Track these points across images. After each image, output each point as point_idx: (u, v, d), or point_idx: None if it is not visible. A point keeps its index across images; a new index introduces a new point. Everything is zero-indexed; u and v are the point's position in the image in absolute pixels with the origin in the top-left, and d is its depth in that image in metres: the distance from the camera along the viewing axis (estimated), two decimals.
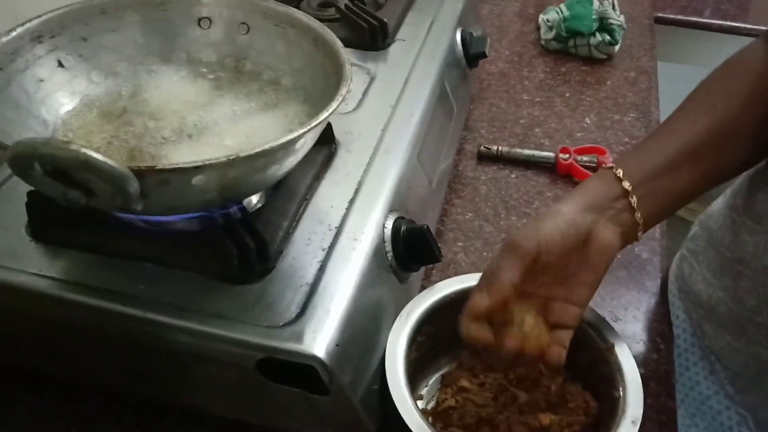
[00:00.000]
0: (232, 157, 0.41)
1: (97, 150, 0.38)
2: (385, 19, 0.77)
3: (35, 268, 0.50)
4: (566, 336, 0.49)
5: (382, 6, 0.84)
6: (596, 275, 0.49)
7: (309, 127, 0.45)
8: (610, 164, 0.52)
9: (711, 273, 0.64)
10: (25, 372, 0.58)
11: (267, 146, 0.42)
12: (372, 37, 0.76)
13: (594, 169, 0.82)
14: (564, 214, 0.49)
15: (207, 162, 0.41)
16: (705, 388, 0.66)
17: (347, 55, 0.53)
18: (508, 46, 1.12)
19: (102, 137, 0.54)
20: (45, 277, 0.49)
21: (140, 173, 0.39)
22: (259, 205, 0.55)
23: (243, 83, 0.61)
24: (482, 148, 0.86)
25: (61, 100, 0.56)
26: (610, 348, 0.53)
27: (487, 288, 0.47)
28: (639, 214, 0.50)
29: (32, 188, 0.52)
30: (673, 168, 0.51)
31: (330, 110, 0.46)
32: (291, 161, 0.49)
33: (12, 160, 0.38)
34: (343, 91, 0.49)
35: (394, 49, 0.78)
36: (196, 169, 0.41)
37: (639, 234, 0.51)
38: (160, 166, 0.40)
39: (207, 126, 0.55)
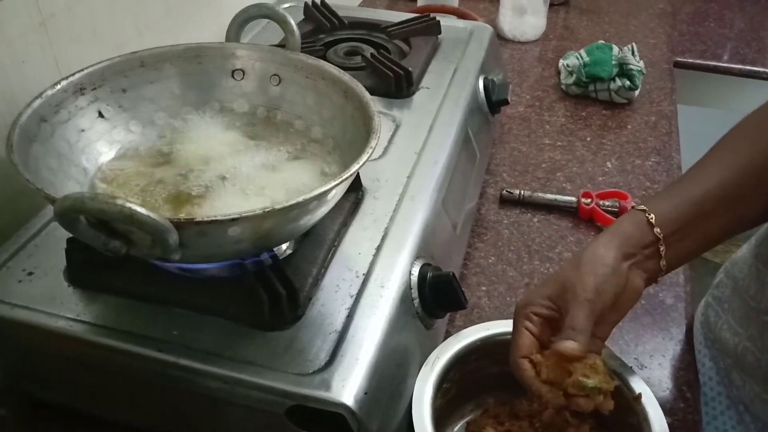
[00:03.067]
0: (267, 210, 0.43)
1: (134, 199, 0.40)
2: (409, 68, 0.79)
3: (72, 312, 0.51)
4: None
5: (406, 54, 0.87)
6: (620, 317, 0.51)
7: (341, 180, 0.46)
8: (642, 207, 0.52)
9: (737, 322, 0.64)
10: (59, 410, 0.59)
11: (301, 198, 0.44)
12: (397, 85, 0.78)
13: (616, 214, 0.82)
14: (606, 262, 0.49)
15: (243, 214, 0.42)
16: None
17: (375, 106, 0.55)
18: (529, 90, 1.14)
19: (139, 185, 0.56)
20: (81, 321, 0.51)
21: (180, 225, 0.41)
22: (289, 252, 0.56)
23: (275, 133, 0.63)
24: (504, 192, 0.87)
25: (100, 149, 0.58)
26: (637, 398, 0.53)
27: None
28: (664, 262, 0.51)
29: (71, 235, 0.55)
30: (703, 214, 0.51)
31: (361, 162, 0.48)
32: (322, 211, 0.50)
33: (60, 213, 0.39)
34: (373, 143, 0.50)
35: (418, 96, 0.80)
36: (233, 221, 0.42)
37: (659, 278, 0.52)
38: (198, 218, 0.41)
39: (240, 175, 0.57)
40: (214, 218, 0.42)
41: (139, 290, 0.53)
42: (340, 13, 0.93)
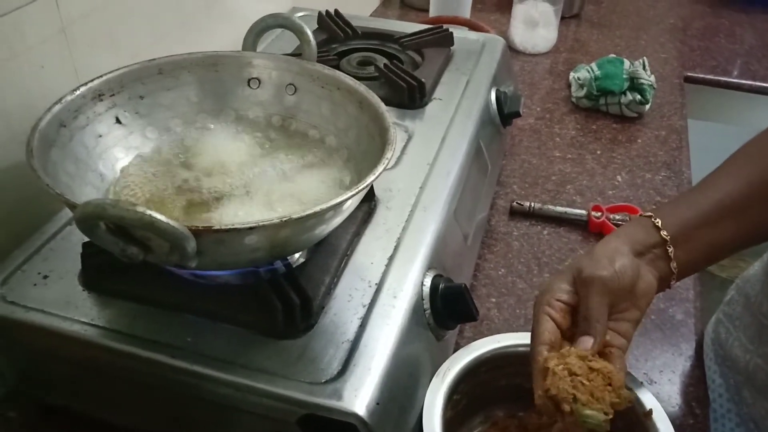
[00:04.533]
0: (284, 219, 0.43)
1: (150, 205, 0.40)
2: (422, 79, 0.80)
3: (86, 317, 0.52)
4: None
5: (419, 65, 0.87)
6: (640, 314, 0.51)
7: (357, 190, 0.46)
8: (648, 213, 0.52)
9: (748, 339, 0.64)
10: (68, 413, 0.60)
11: (317, 208, 0.44)
12: (410, 96, 0.79)
13: None
14: (622, 251, 0.49)
15: (260, 223, 0.42)
16: None
17: (391, 117, 0.56)
18: (540, 102, 1.14)
19: (154, 192, 0.56)
20: (95, 326, 0.51)
21: (198, 233, 0.41)
22: (302, 260, 0.56)
23: (289, 142, 0.63)
24: (515, 203, 0.87)
25: (117, 154, 0.59)
26: (648, 414, 0.53)
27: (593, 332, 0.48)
28: (674, 264, 0.51)
29: (86, 240, 0.55)
30: (711, 222, 0.51)
31: (377, 173, 0.48)
32: (338, 221, 0.50)
33: (80, 219, 0.40)
34: (389, 154, 0.51)
35: (431, 107, 0.80)
36: (250, 230, 0.43)
37: (672, 283, 0.52)
38: (216, 227, 0.42)
39: (255, 182, 0.58)
40: (231, 227, 0.42)
41: (153, 296, 0.53)
42: (354, 23, 0.94)
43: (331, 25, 0.94)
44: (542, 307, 0.51)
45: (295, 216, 0.43)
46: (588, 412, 0.46)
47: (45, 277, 0.54)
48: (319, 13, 0.96)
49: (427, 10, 1.38)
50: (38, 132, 0.51)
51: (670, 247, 0.51)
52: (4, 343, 0.55)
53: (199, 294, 0.52)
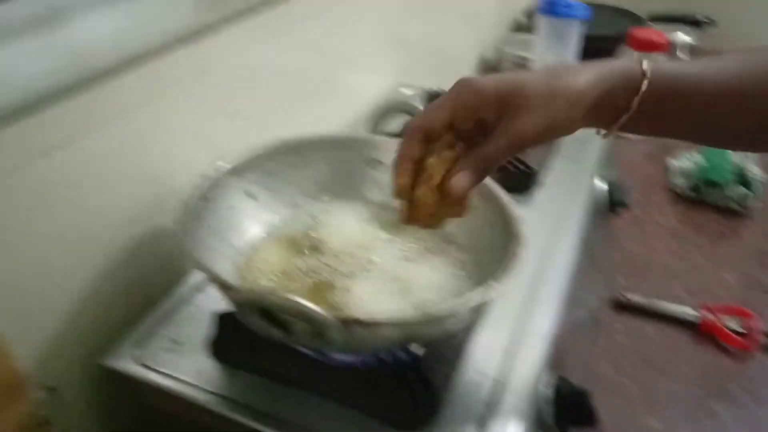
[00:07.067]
0: (427, 315, 0.43)
1: (275, 282, 0.41)
2: (531, 164, 0.80)
3: (215, 387, 0.53)
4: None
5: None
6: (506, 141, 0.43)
7: (499, 292, 0.47)
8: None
9: None
10: None
11: (460, 306, 0.45)
12: (519, 181, 0.79)
13: (741, 335, 0.79)
14: (575, 116, 0.43)
15: (403, 318, 0.43)
16: None
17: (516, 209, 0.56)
18: (639, 188, 1.13)
19: (283, 268, 0.58)
20: (223, 397, 0.52)
21: (345, 322, 0.42)
22: (422, 349, 0.56)
23: (408, 226, 0.64)
24: (619, 296, 0.85)
25: (248, 227, 0.61)
26: None
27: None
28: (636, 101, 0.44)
29: (217, 309, 0.57)
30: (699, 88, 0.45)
31: (517, 274, 0.48)
32: (471, 318, 0.50)
33: (238, 302, 0.41)
34: (522, 251, 0.51)
35: (538, 193, 0.80)
36: (391, 324, 0.43)
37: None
38: (362, 318, 0.43)
39: (379, 265, 0.59)
40: (375, 319, 0.43)
41: (278, 372, 0.54)
42: None
43: None
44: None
45: (436, 312, 0.44)
46: None
47: (176, 342, 0.57)
48: (428, 94, 0.99)
49: None
50: (186, 205, 0.54)
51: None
52: (128, 401, 0.57)
53: (323, 374, 0.53)
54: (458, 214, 0.42)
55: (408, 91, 1.05)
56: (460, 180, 0.40)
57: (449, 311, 0.45)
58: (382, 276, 0.58)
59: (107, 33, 0.57)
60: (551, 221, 0.75)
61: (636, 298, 0.85)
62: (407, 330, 0.45)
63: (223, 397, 0.52)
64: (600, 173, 0.87)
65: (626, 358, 0.78)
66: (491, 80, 0.41)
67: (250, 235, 0.62)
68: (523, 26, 1.72)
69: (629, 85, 0.44)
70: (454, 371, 0.55)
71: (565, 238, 0.72)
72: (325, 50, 0.85)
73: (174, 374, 0.53)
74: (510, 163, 0.80)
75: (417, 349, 0.56)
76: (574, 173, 0.85)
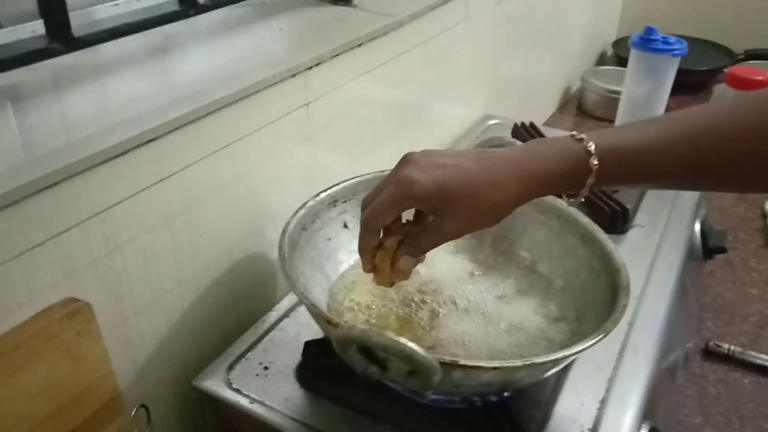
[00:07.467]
0: (527, 363, 0.43)
1: (364, 315, 0.41)
2: (626, 204, 0.78)
3: (301, 415, 0.54)
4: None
5: (617, 190, 0.86)
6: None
7: (597, 339, 0.45)
8: (581, 136, 0.45)
9: None
10: None
11: (560, 355, 0.44)
12: (613, 221, 0.77)
13: None
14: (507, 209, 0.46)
15: (504, 364, 0.42)
16: None
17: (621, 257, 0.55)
18: (732, 231, 1.07)
19: (376, 302, 0.59)
20: (309, 426, 0.53)
21: (445, 365, 0.42)
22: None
23: (500, 263, 0.64)
24: (711, 344, 0.81)
25: (341, 257, 0.62)
26: None
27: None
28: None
29: (307, 338, 0.58)
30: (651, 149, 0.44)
31: (618, 321, 0.47)
32: (565, 363, 0.49)
33: (340, 340, 0.42)
34: (625, 301, 0.49)
35: (632, 234, 0.78)
36: (493, 369, 0.43)
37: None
38: (462, 362, 0.42)
39: (470, 303, 0.58)
40: (476, 364, 0.43)
41: (362, 405, 0.54)
42: (548, 135, 0.95)
43: (527, 136, 0.95)
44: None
45: (538, 360, 0.43)
46: None
47: (266, 368, 0.57)
48: (515, 124, 0.98)
49: (605, 120, 1.37)
50: (288, 236, 0.55)
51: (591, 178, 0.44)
52: (216, 422, 0.58)
53: (411, 411, 0.53)
54: (406, 278, 0.51)
55: (497, 121, 1.05)
56: (403, 264, 0.49)
57: (555, 360, 0.44)
58: (475, 315, 0.58)
59: (214, 67, 0.60)
60: (646, 264, 0.72)
61: (728, 346, 0.81)
62: (508, 377, 0.44)
63: (309, 426, 0.53)
64: (698, 216, 0.84)
65: (717, 410, 0.74)
66: (428, 180, 0.45)
67: (344, 265, 0.62)
68: (609, 59, 1.69)
69: (580, 166, 0.44)
70: (547, 417, 0.54)
71: (661, 283, 0.70)
72: (416, 82, 0.86)
73: (262, 399, 0.54)
74: (601, 199, 0.78)
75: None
76: (669, 213, 0.82)
